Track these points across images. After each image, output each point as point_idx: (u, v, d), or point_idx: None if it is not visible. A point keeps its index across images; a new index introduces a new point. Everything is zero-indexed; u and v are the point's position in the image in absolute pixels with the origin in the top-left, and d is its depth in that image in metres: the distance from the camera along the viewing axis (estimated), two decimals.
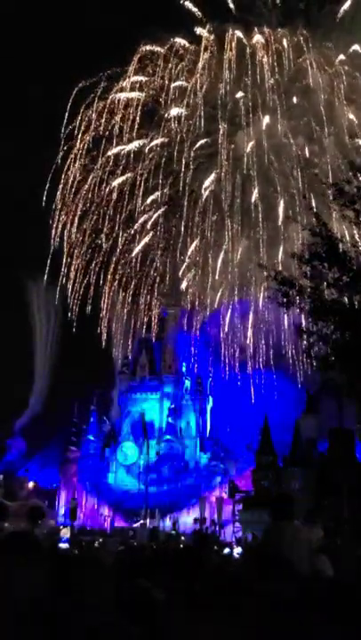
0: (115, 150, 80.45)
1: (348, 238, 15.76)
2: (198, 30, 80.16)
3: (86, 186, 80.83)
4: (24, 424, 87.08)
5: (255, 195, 76.65)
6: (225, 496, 63.90)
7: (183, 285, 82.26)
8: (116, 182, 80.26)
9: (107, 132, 79.84)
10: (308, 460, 64.19)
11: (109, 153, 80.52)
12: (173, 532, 50.05)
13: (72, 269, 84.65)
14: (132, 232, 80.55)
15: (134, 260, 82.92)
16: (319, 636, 3.34)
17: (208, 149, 79.96)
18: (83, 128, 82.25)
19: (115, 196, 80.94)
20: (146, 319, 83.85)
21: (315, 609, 3.79)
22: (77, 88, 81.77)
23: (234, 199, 80.00)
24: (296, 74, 77.83)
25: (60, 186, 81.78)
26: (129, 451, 72.50)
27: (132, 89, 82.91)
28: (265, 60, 77.62)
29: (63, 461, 76.88)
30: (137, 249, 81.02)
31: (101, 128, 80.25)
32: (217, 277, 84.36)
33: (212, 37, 79.58)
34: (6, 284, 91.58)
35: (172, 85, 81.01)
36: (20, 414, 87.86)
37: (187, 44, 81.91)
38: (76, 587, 3.30)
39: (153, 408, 76.82)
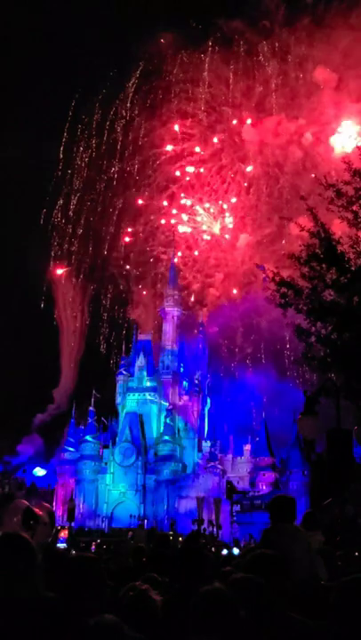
0: (115, 169, 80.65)
1: (347, 239, 15.73)
2: (201, 41, 79.88)
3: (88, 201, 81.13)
4: (45, 420, 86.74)
5: (259, 196, 76.86)
6: (223, 497, 63.86)
7: (183, 286, 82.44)
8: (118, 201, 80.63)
9: (108, 147, 79.88)
10: (306, 461, 64.29)
11: (112, 170, 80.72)
12: (171, 533, 50.00)
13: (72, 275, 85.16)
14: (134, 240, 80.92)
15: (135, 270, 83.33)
16: (319, 635, 3.33)
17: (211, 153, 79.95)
18: (82, 141, 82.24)
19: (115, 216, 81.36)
20: (145, 320, 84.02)
21: (314, 608, 3.78)
22: (76, 96, 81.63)
23: (236, 201, 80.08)
24: (303, 74, 77.81)
25: (60, 200, 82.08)
26: (127, 452, 72.40)
27: (133, 102, 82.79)
28: (269, 66, 77.69)
29: (61, 462, 76.78)
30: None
31: (103, 147, 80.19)
32: (217, 278, 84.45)
33: (216, 48, 79.46)
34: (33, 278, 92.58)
35: (176, 96, 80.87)
36: (44, 409, 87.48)
37: (190, 53, 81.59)
38: (75, 588, 3.29)
39: (151, 409, 76.72)
